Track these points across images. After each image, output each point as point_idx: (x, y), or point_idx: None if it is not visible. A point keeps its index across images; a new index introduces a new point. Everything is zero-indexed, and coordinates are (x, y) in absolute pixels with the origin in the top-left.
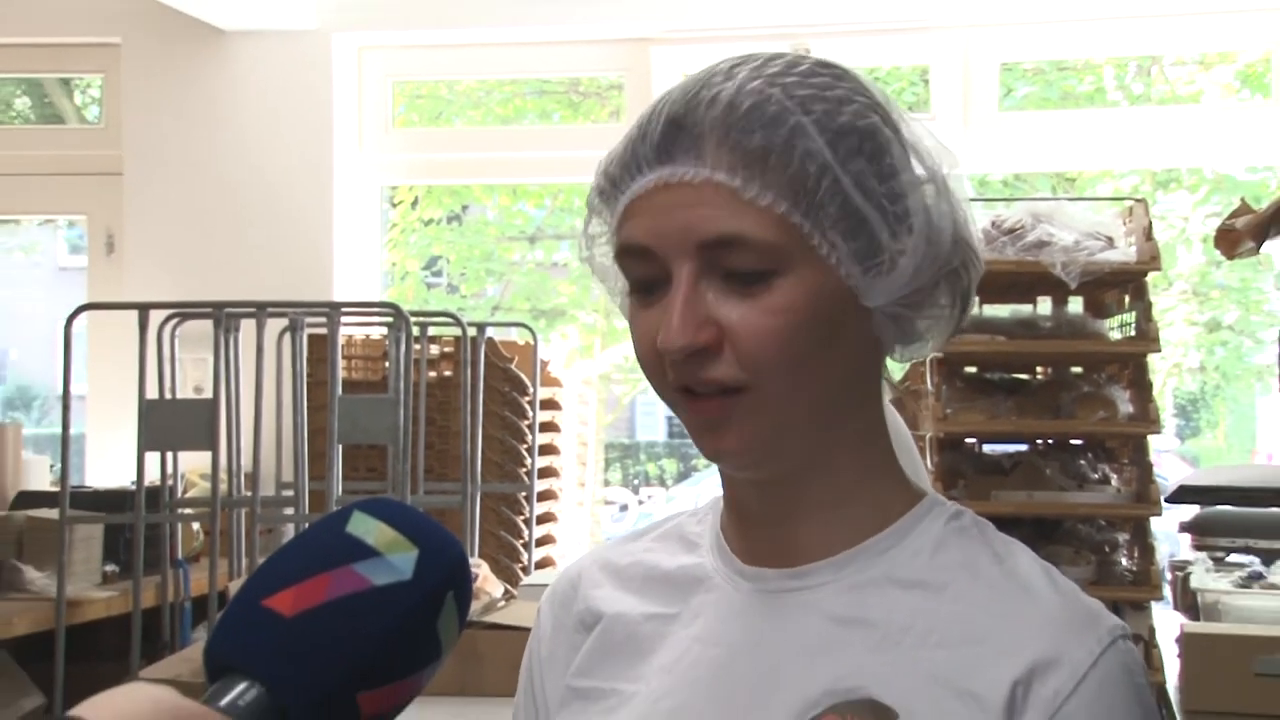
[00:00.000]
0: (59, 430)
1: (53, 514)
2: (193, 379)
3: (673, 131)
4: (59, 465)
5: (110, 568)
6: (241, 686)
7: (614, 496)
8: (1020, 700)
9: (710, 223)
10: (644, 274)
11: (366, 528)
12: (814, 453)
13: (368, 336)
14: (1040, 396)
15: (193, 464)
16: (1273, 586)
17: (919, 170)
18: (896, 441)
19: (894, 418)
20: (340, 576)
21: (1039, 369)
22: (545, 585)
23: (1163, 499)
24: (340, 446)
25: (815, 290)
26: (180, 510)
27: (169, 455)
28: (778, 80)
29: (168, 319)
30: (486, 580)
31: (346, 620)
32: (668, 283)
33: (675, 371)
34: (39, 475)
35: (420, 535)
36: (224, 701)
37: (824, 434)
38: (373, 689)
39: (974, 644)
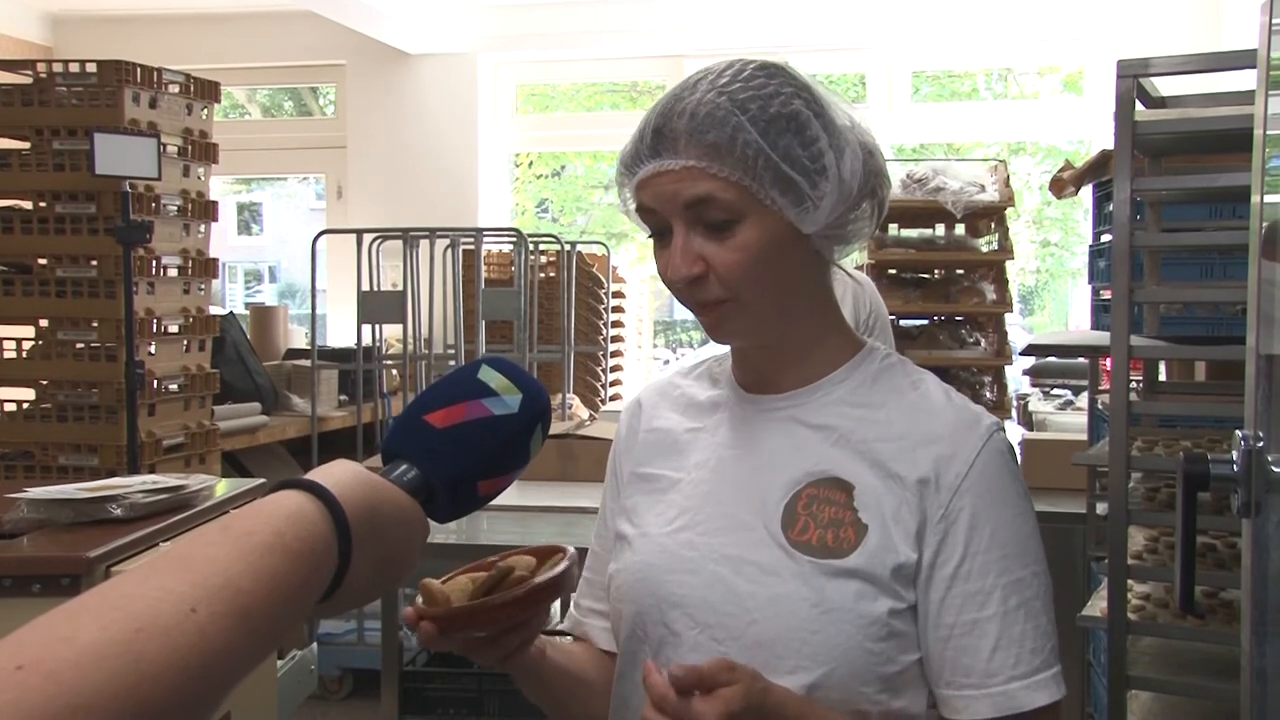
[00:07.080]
0: (310, 310)
1: (307, 363)
2: (390, 278)
3: (657, 137)
4: (310, 332)
5: (343, 397)
6: (404, 467)
7: (659, 355)
8: (933, 484)
9: (690, 189)
10: (653, 223)
11: (490, 376)
12: (781, 329)
13: (500, 250)
14: (937, 288)
15: (391, 332)
16: (1079, 409)
17: (831, 137)
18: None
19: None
20: (473, 406)
21: (936, 270)
22: (616, 412)
23: (1013, 354)
24: (483, 321)
25: (766, 230)
26: (384, 361)
27: (376, 327)
28: (725, 90)
29: (374, 239)
30: (578, 408)
31: (475, 434)
32: (669, 232)
33: (682, 294)
34: (298, 339)
35: (523, 384)
36: (393, 476)
37: (787, 317)
38: (486, 479)
39: (897, 441)
